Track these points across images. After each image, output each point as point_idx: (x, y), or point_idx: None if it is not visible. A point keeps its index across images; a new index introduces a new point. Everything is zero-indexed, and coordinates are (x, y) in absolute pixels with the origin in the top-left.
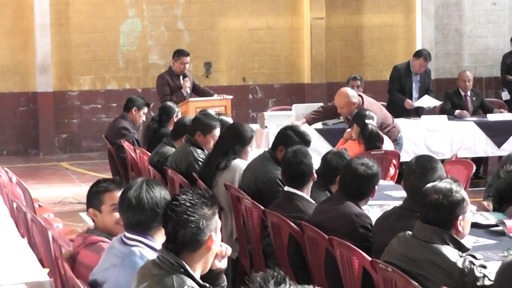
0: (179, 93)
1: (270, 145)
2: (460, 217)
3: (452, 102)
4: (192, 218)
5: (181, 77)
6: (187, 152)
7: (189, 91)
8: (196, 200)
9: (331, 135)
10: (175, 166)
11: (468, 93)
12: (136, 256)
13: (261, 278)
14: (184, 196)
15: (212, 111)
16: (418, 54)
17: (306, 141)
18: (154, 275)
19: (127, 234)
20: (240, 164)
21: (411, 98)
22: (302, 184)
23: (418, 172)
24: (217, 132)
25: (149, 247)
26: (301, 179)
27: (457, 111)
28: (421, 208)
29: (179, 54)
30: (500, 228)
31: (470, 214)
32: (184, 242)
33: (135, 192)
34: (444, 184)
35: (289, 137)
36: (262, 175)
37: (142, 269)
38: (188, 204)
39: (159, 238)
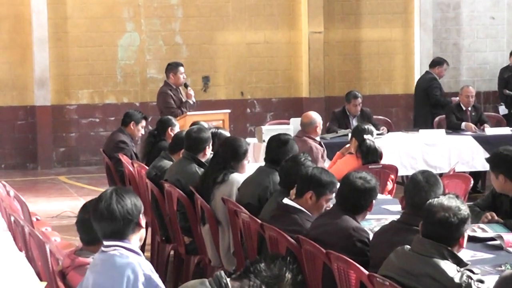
0: (186, 103)
1: None
2: (465, 234)
3: (455, 116)
4: None
5: (179, 88)
6: (193, 172)
7: (194, 100)
8: None
9: (328, 148)
10: (180, 184)
11: (469, 108)
12: (115, 257)
13: None
14: None
15: (205, 124)
16: (440, 62)
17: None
18: None
19: (105, 243)
20: (237, 178)
21: None
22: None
23: (427, 188)
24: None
25: (127, 249)
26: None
27: (463, 124)
28: (426, 225)
29: (176, 65)
30: (497, 242)
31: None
32: None
33: (105, 203)
34: (450, 201)
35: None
36: (265, 191)
37: None
38: None
39: (134, 241)
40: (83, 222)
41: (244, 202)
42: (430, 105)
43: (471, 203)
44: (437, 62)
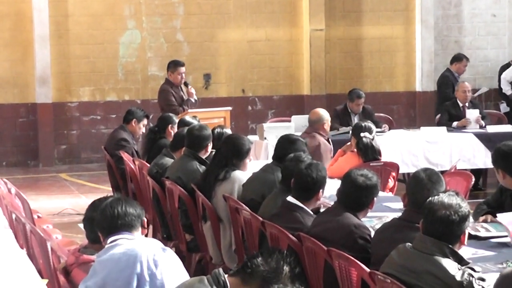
0: (187, 101)
1: (269, 157)
2: (466, 231)
3: (450, 113)
4: None
5: (181, 87)
6: (195, 170)
7: (196, 98)
8: None
9: None
10: (181, 182)
11: (466, 104)
12: (128, 242)
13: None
14: None
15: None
16: (459, 58)
17: (302, 143)
18: None
19: (110, 239)
20: (239, 175)
21: None
22: (306, 197)
23: (429, 186)
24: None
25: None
26: (307, 193)
27: (454, 123)
28: (427, 222)
29: (175, 65)
30: (500, 239)
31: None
32: None
33: (116, 200)
34: (450, 198)
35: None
36: (270, 188)
37: None
38: None
39: (138, 236)
40: (91, 220)
41: (248, 198)
42: (442, 101)
43: (482, 200)
44: (455, 58)
